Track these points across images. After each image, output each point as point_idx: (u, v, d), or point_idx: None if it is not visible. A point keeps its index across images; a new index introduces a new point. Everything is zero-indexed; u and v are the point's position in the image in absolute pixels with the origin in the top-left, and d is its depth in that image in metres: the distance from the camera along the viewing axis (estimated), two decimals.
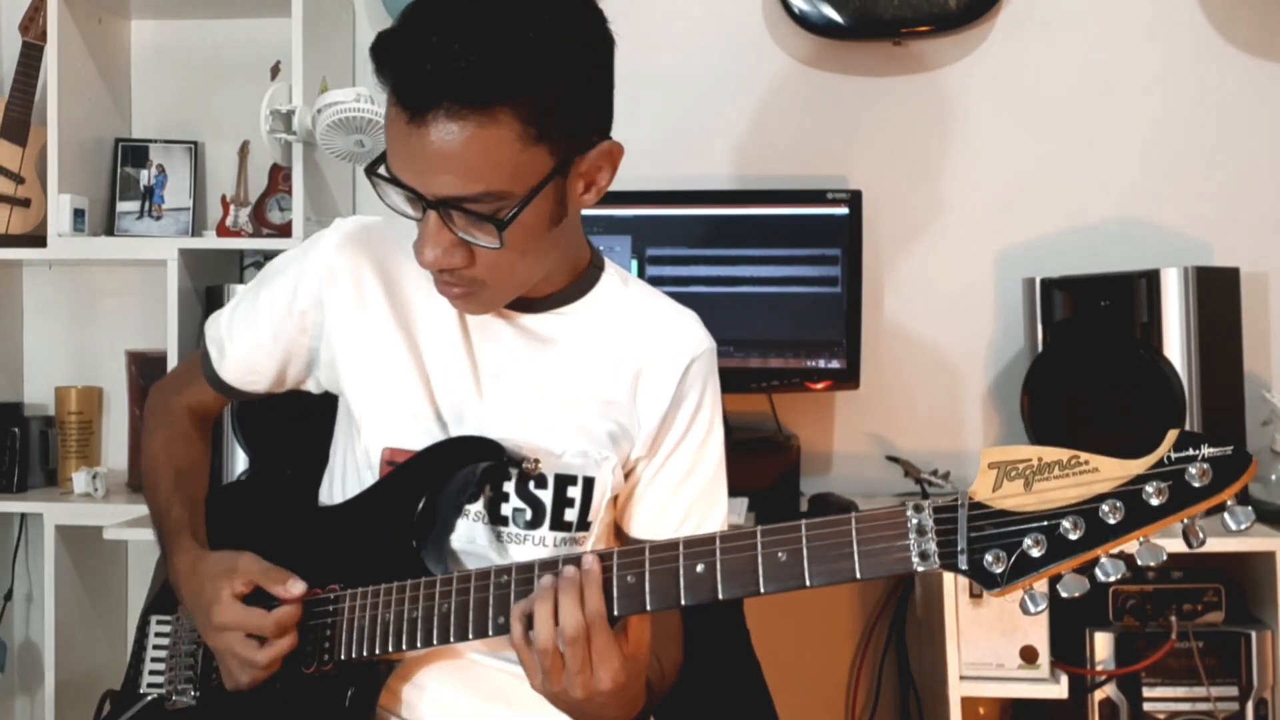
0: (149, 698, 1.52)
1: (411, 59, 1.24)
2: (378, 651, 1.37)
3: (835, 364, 2.60)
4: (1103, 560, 1.06)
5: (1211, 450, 1.03)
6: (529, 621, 1.24)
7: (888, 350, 2.81)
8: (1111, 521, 1.04)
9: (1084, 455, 1.07)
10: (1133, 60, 2.75)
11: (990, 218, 2.79)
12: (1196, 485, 1.03)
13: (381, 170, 1.32)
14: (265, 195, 2.87)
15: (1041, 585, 1.08)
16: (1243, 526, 1.02)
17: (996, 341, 2.79)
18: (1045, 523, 1.07)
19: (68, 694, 2.76)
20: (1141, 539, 1.05)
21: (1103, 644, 2.24)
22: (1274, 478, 2.41)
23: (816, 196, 2.61)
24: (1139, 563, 1.06)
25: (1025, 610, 1.08)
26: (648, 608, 1.23)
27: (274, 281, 1.55)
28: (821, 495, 2.52)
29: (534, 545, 1.46)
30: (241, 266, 3.00)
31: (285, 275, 1.54)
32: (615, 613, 1.23)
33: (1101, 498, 1.05)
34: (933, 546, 1.11)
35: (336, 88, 2.66)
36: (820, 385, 2.60)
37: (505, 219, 1.28)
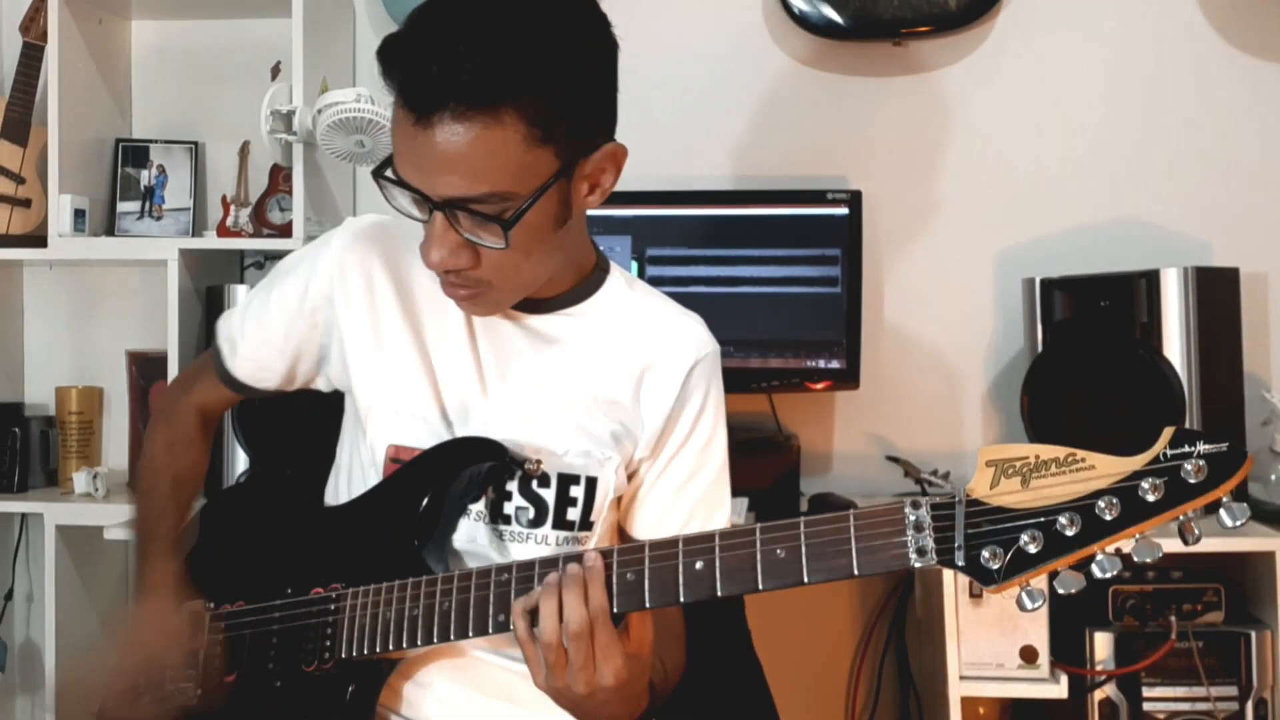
0: None
1: (418, 61, 1.26)
2: (378, 649, 1.38)
3: (835, 364, 2.60)
4: (1099, 557, 1.06)
5: (1207, 447, 1.03)
6: (533, 618, 1.25)
7: (888, 350, 2.81)
8: (1107, 518, 1.05)
9: (1081, 453, 1.08)
10: (1132, 60, 2.76)
11: (990, 218, 2.79)
12: (1192, 481, 1.03)
13: (388, 173, 1.34)
14: (265, 195, 2.87)
15: (1039, 582, 1.09)
16: (1238, 523, 1.02)
17: (996, 341, 2.79)
18: (1042, 519, 1.07)
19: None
20: (1138, 535, 1.05)
21: (1102, 644, 2.24)
22: (1273, 478, 2.41)
23: (816, 197, 2.61)
24: (1135, 559, 1.06)
25: (1022, 607, 1.08)
26: (647, 605, 1.23)
27: (286, 279, 1.57)
28: (821, 495, 2.53)
29: (536, 544, 1.47)
30: (242, 267, 3.00)
31: (297, 273, 1.56)
32: (615, 609, 1.24)
33: (1098, 494, 1.06)
34: (930, 543, 1.12)
35: (337, 88, 2.66)
36: (820, 385, 2.61)
37: (510, 219, 1.29)
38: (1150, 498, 1.04)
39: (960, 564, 1.10)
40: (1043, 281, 2.57)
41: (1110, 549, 1.06)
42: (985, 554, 1.08)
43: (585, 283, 1.53)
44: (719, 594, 1.20)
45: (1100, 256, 2.67)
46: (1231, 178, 2.72)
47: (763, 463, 2.59)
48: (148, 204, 2.92)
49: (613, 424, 1.49)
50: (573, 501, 1.47)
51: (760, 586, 1.18)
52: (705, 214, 2.64)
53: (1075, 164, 2.77)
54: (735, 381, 2.51)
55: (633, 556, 1.25)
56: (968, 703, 2.27)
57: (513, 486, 1.47)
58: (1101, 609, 2.26)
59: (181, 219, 2.93)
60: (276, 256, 2.96)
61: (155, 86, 3.05)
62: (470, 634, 1.32)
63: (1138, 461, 1.05)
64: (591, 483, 1.48)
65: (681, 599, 1.22)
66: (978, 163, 2.80)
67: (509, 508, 1.47)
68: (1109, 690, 2.24)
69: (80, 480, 2.80)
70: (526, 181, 1.29)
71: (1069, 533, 1.05)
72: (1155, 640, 2.22)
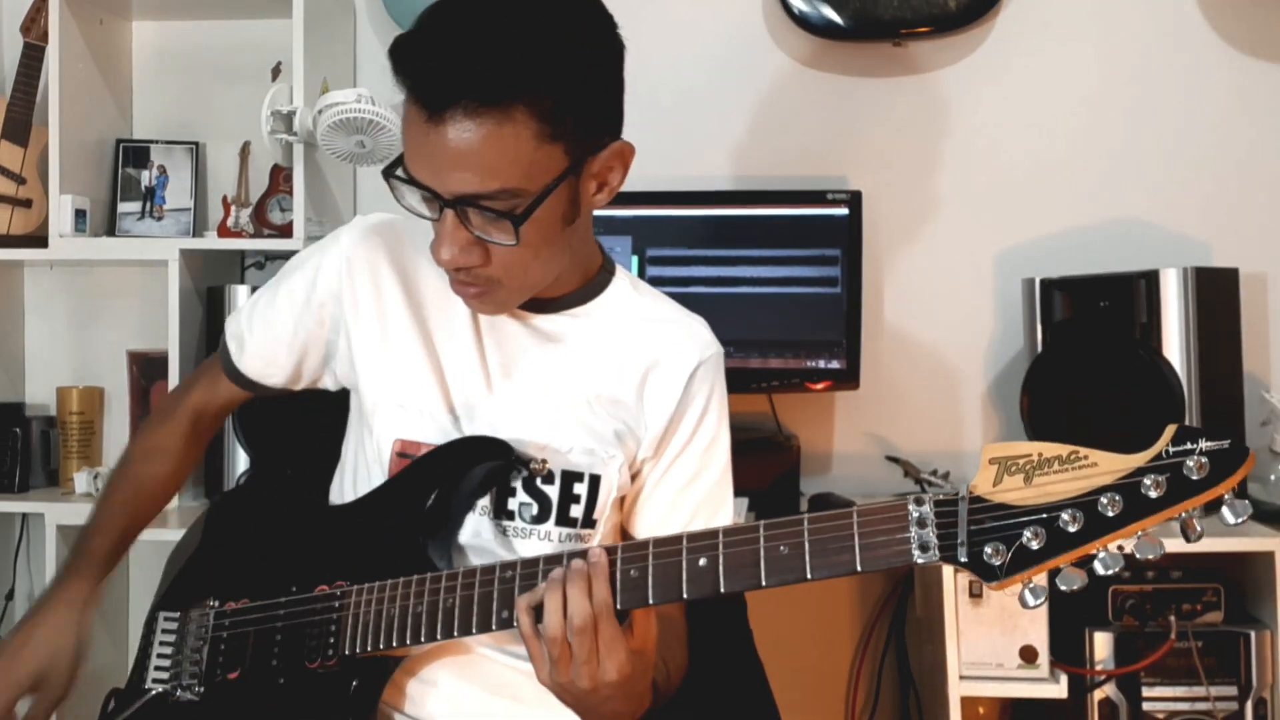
0: (152, 693, 1.53)
1: (430, 58, 1.28)
2: (382, 646, 1.38)
3: (835, 364, 2.60)
4: (1101, 554, 1.07)
5: (1209, 444, 1.04)
6: (537, 613, 1.25)
7: (887, 351, 2.81)
8: (1110, 514, 1.05)
9: (1083, 450, 1.08)
10: (1132, 61, 2.76)
11: (990, 218, 2.79)
12: (1194, 478, 1.04)
13: (399, 172, 1.35)
14: (266, 196, 2.87)
15: (1041, 579, 1.09)
16: (1240, 520, 1.03)
17: (996, 342, 2.79)
18: (1044, 515, 1.08)
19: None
20: (1140, 532, 1.05)
21: (1102, 644, 2.25)
22: (1273, 478, 2.42)
23: (816, 197, 2.62)
24: (1137, 556, 1.06)
25: (1024, 604, 1.09)
26: (650, 601, 1.24)
27: (294, 275, 1.58)
28: (821, 495, 2.53)
29: (539, 540, 1.48)
30: (242, 267, 3.01)
31: (305, 269, 1.57)
32: (619, 605, 1.25)
33: (1100, 491, 1.06)
34: (933, 539, 1.12)
35: (337, 88, 2.67)
36: (820, 385, 2.61)
37: (521, 215, 1.31)
38: (1152, 494, 1.04)
39: (963, 560, 1.10)
40: (1042, 282, 2.57)
41: (1112, 546, 1.07)
42: (988, 550, 1.08)
43: (591, 284, 1.55)
44: (722, 590, 1.21)
45: (1100, 257, 2.67)
46: (1231, 178, 2.73)
47: (763, 463, 2.59)
48: (148, 204, 2.93)
49: (616, 423, 1.50)
50: (576, 498, 1.48)
51: (763, 583, 1.19)
52: (705, 214, 2.64)
53: (1075, 164, 2.77)
54: (735, 381, 2.50)
55: (636, 553, 1.26)
56: (967, 702, 2.27)
57: (517, 483, 1.48)
58: (1101, 609, 2.26)
59: (182, 219, 2.93)
60: (277, 257, 2.96)
61: (156, 87, 3.05)
62: (474, 630, 1.33)
63: (1140, 459, 1.06)
64: (595, 480, 1.49)
65: (685, 595, 1.22)
66: (977, 163, 2.80)
67: (513, 504, 1.48)
68: (1109, 690, 2.24)
69: (81, 480, 2.81)
70: (536, 178, 1.31)
71: (1071, 529, 1.06)
72: (1155, 640, 2.22)
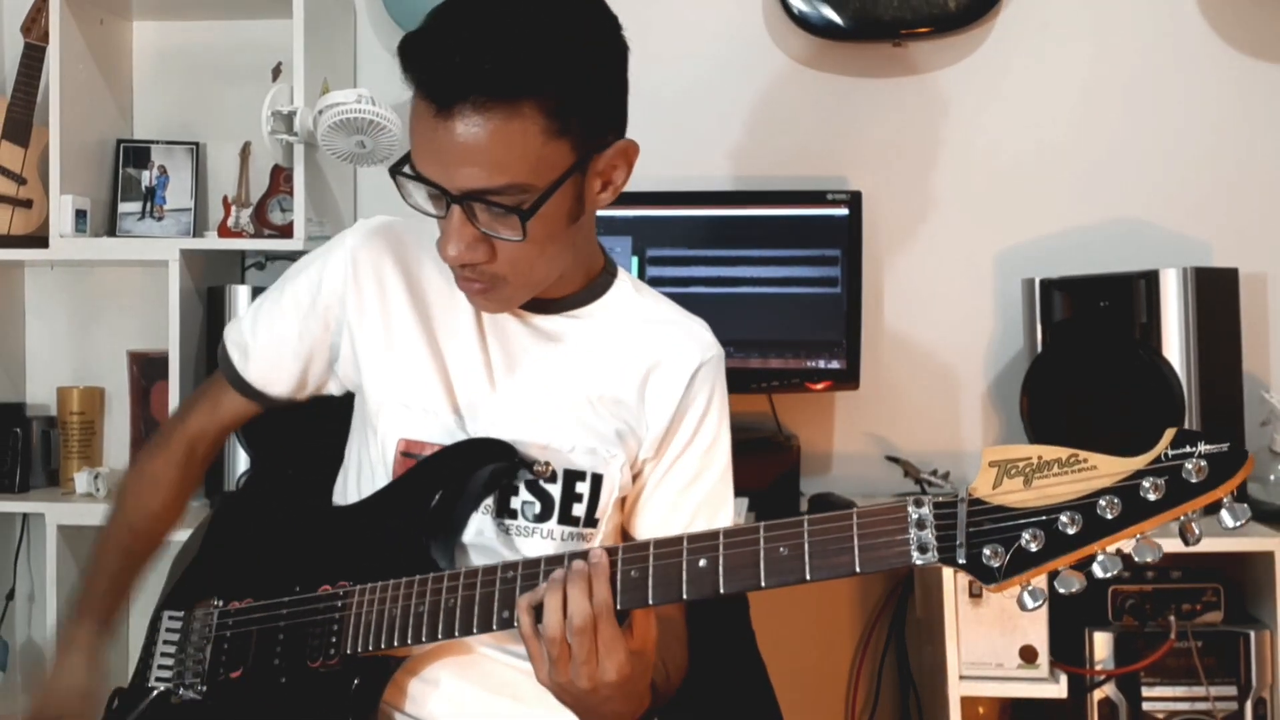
0: (155, 691, 1.53)
1: (440, 54, 1.29)
2: (383, 645, 1.39)
3: (835, 364, 2.60)
4: (1100, 556, 1.07)
5: (1208, 447, 1.04)
6: (537, 613, 1.26)
7: (887, 351, 2.81)
8: (1109, 517, 1.05)
9: (1083, 453, 1.08)
10: (1131, 61, 2.76)
11: (990, 218, 2.79)
12: (1193, 481, 1.04)
13: (405, 168, 1.36)
14: (266, 196, 2.87)
15: (1040, 581, 1.09)
16: (1239, 523, 1.03)
17: (996, 342, 2.79)
18: (1043, 518, 1.08)
19: None
20: (1139, 535, 1.06)
21: (1102, 644, 2.25)
22: (1273, 478, 2.42)
23: (816, 197, 2.62)
24: (1135, 559, 1.06)
25: (1023, 606, 1.09)
26: (650, 601, 1.24)
27: (298, 280, 1.58)
28: (821, 495, 2.53)
29: (541, 538, 1.49)
30: (243, 267, 3.01)
31: (309, 272, 1.57)
32: (619, 606, 1.25)
33: (1099, 493, 1.06)
34: (932, 540, 1.12)
35: (338, 89, 2.67)
36: (820, 385, 2.61)
37: (528, 210, 1.32)
38: (1151, 497, 1.04)
39: (961, 562, 1.10)
40: (1042, 282, 2.57)
41: (1111, 548, 1.07)
42: (986, 552, 1.09)
43: (593, 285, 1.56)
44: (721, 591, 1.21)
45: (1100, 257, 2.67)
46: (1231, 178, 2.73)
47: (763, 463, 2.60)
48: (149, 204, 2.93)
49: (618, 423, 1.51)
50: (578, 497, 1.49)
51: (762, 584, 1.19)
52: (705, 214, 2.64)
53: (1075, 164, 2.77)
54: (735, 381, 2.50)
55: (637, 554, 1.26)
56: (967, 702, 2.27)
57: (520, 482, 1.49)
58: (1101, 609, 2.27)
59: (182, 219, 2.93)
60: (277, 257, 2.96)
61: (156, 87, 3.05)
62: (475, 630, 1.33)
63: (1139, 461, 1.06)
64: (597, 479, 1.50)
65: (684, 596, 1.23)
66: (977, 163, 2.80)
67: (515, 502, 1.49)
68: (1108, 690, 2.25)
69: (81, 480, 2.81)
70: (544, 174, 1.32)
71: (1070, 531, 1.06)
72: (1154, 640, 2.22)
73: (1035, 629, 2.23)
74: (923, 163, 2.81)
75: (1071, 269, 2.58)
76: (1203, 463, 1.03)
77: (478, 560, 1.46)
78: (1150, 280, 2.38)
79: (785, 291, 2.60)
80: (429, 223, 1.47)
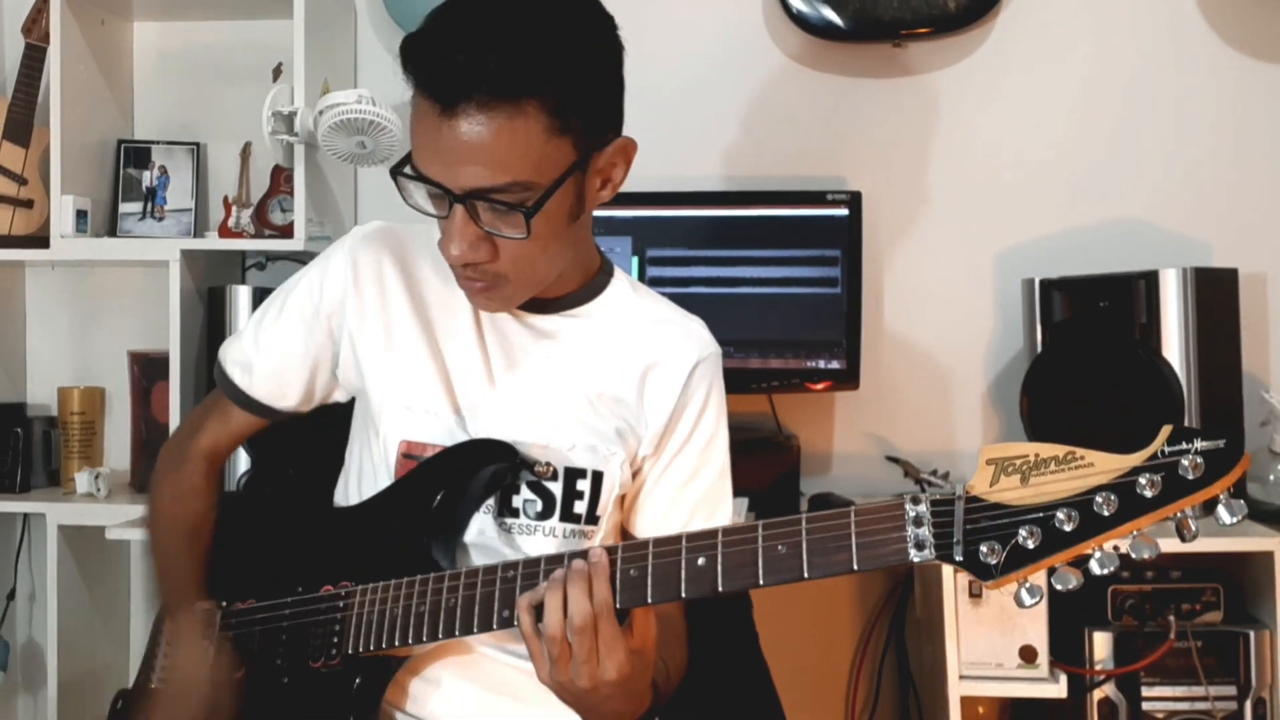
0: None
1: (443, 53, 1.29)
2: (385, 645, 1.39)
3: (835, 364, 2.60)
4: (1097, 553, 1.07)
5: (1204, 444, 1.04)
6: (538, 613, 1.26)
7: (887, 351, 2.81)
8: (1105, 513, 1.06)
9: (1080, 450, 1.09)
10: (1131, 61, 2.76)
11: (989, 219, 2.79)
12: (1189, 478, 1.04)
13: (406, 169, 1.37)
14: (267, 196, 2.87)
15: (1038, 578, 1.10)
16: (1236, 519, 1.03)
17: (996, 342, 2.79)
18: (1040, 514, 1.08)
19: (70, 694, 2.77)
20: (1135, 532, 1.06)
21: (1101, 643, 2.25)
22: (1272, 478, 2.42)
23: (816, 198, 2.62)
24: (1132, 556, 1.07)
25: (1020, 603, 1.09)
26: (649, 600, 1.25)
27: (297, 290, 1.58)
28: (821, 495, 2.54)
29: (544, 536, 1.50)
30: (243, 267, 3.01)
31: (308, 282, 1.57)
32: (619, 604, 1.25)
33: (1096, 490, 1.07)
34: (929, 538, 1.13)
35: (338, 89, 2.68)
36: (820, 386, 2.61)
37: (532, 208, 1.32)
38: (1148, 493, 1.05)
39: (958, 559, 1.11)
40: (1042, 282, 2.57)
41: (1108, 545, 1.07)
42: (983, 549, 1.09)
43: (590, 284, 1.56)
44: (720, 589, 1.22)
45: (1099, 257, 2.67)
46: (1230, 178, 2.73)
47: (763, 463, 2.60)
48: (149, 205, 2.93)
49: (617, 421, 1.52)
50: (579, 495, 1.50)
51: (761, 582, 1.20)
52: (705, 215, 2.64)
53: (1075, 164, 2.77)
54: (735, 382, 2.51)
55: (636, 553, 1.27)
56: (967, 702, 2.27)
57: (521, 481, 1.50)
58: (1101, 609, 2.27)
59: (183, 220, 2.94)
60: (278, 257, 2.97)
61: (157, 88, 3.06)
62: (476, 630, 1.34)
63: (1136, 458, 1.06)
64: (598, 477, 1.50)
65: (683, 594, 1.23)
66: (977, 163, 2.80)
67: (517, 501, 1.50)
68: (1108, 690, 2.25)
69: (82, 480, 2.81)
70: (546, 172, 1.33)
71: (1067, 528, 1.06)
72: (1154, 640, 2.22)
73: (1035, 629, 2.23)
74: (923, 163, 2.81)
75: (1071, 269, 2.58)
76: (1199, 459, 1.04)
77: (479, 560, 1.46)
78: (1150, 280, 2.37)
79: (785, 292, 2.60)
80: (426, 225, 1.48)
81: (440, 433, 1.50)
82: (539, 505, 1.50)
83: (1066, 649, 2.25)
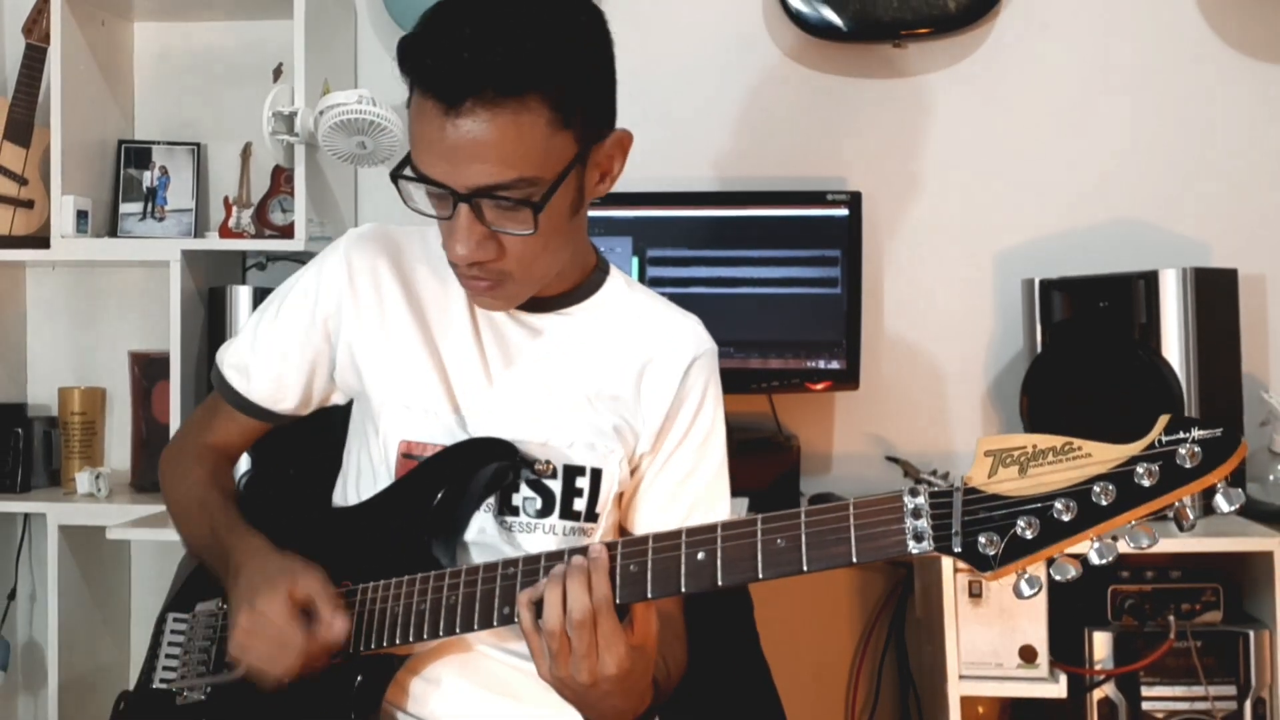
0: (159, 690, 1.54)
1: (446, 51, 1.29)
2: (385, 643, 1.39)
3: (835, 364, 2.61)
4: (1095, 543, 1.07)
5: (1201, 433, 1.05)
6: (538, 609, 1.26)
7: (887, 351, 2.82)
8: (1103, 503, 1.06)
9: (1077, 441, 1.09)
10: (1131, 62, 2.76)
11: (989, 219, 2.79)
12: (1187, 466, 1.04)
13: (407, 171, 1.37)
14: (267, 196, 2.88)
15: (1036, 569, 1.10)
16: (1234, 507, 1.03)
17: (995, 342, 2.79)
18: (1038, 505, 1.08)
19: (71, 693, 2.77)
20: (1133, 521, 1.06)
21: (1101, 643, 2.25)
22: (1272, 478, 2.42)
23: (816, 198, 2.62)
24: (1130, 545, 1.06)
25: (1019, 594, 1.09)
26: (649, 595, 1.25)
27: (292, 294, 1.58)
28: (821, 495, 2.54)
29: (544, 534, 1.50)
30: (244, 268, 3.02)
31: (304, 284, 1.58)
32: (619, 600, 1.25)
33: (1093, 480, 1.07)
34: (928, 529, 1.13)
35: (338, 89, 2.68)
36: (820, 386, 2.61)
37: (539, 202, 1.32)
38: (1145, 483, 1.05)
39: (957, 550, 1.11)
40: (1042, 282, 2.57)
41: (1107, 536, 1.07)
42: (982, 540, 1.09)
43: (586, 282, 1.57)
44: (720, 584, 1.22)
45: (1099, 257, 2.67)
46: (1230, 179, 2.73)
47: (763, 463, 2.60)
48: (150, 205, 2.93)
49: (615, 418, 1.52)
50: (579, 492, 1.50)
51: (760, 575, 1.20)
52: (705, 215, 2.65)
53: (1074, 165, 2.77)
54: (735, 382, 2.52)
55: (636, 548, 1.27)
56: (967, 702, 2.27)
57: (521, 480, 1.50)
58: (1100, 608, 2.27)
59: (183, 220, 2.94)
60: (278, 258, 2.97)
61: (157, 88, 3.06)
62: (476, 627, 1.34)
63: (1133, 448, 1.07)
64: (597, 474, 1.50)
65: (683, 589, 1.23)
66: (977, 164, 2.80)
67: (517, 499, 1.50)
68: (1108, 690, 2.25)
69: (83, 480, 2.81)
70: (550, 166, 1.33)
71: (1065, 519, 1.06)
72: (1154, 640, 2.22)
73: (1035, 628, 2.22)
74: (923, 163, 2.81)
75: (1071, 269, 2.58)
76: (1196, 448, 1.04)
77: (480, 558, 1.46)
78: (1150, 281, 2.38)
79: (785, 292, 2.60)
80: (420, 226, 1.48)
81: (440, 432, 1.50)
82: (539, 503, 1.50)
83: (1066, 649, 2.25)
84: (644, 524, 1.56)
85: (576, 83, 1.33)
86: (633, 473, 1.55)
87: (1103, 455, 1.07)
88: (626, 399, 1.53)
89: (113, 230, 2.93)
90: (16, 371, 3.06)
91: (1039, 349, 2.56)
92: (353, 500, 1.57)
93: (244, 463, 2.54)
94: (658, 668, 1.38)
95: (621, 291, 1.59)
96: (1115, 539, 1.07)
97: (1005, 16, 2.77)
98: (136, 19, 3.05)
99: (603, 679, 1.25)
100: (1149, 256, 2.65)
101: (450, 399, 1.51)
